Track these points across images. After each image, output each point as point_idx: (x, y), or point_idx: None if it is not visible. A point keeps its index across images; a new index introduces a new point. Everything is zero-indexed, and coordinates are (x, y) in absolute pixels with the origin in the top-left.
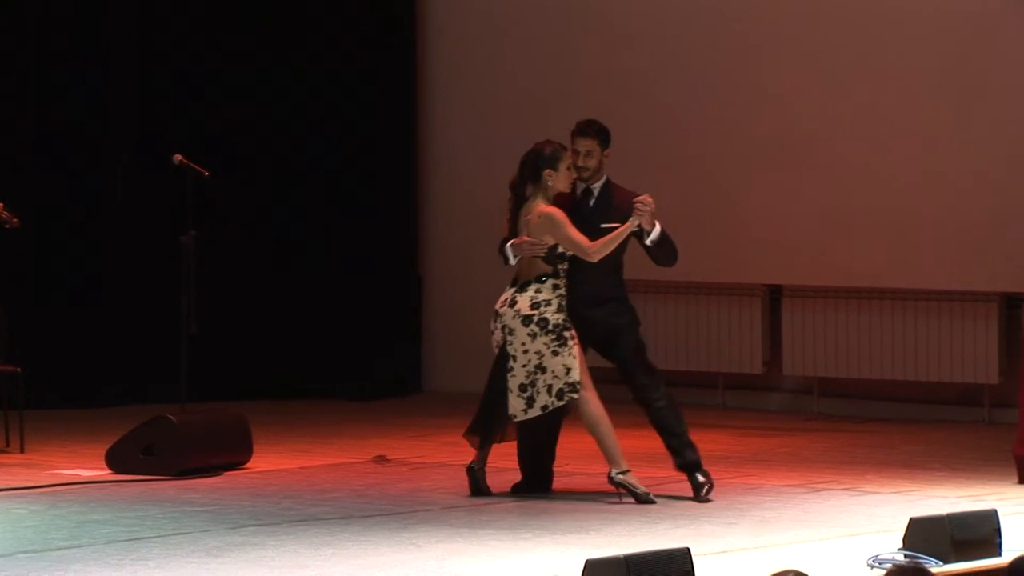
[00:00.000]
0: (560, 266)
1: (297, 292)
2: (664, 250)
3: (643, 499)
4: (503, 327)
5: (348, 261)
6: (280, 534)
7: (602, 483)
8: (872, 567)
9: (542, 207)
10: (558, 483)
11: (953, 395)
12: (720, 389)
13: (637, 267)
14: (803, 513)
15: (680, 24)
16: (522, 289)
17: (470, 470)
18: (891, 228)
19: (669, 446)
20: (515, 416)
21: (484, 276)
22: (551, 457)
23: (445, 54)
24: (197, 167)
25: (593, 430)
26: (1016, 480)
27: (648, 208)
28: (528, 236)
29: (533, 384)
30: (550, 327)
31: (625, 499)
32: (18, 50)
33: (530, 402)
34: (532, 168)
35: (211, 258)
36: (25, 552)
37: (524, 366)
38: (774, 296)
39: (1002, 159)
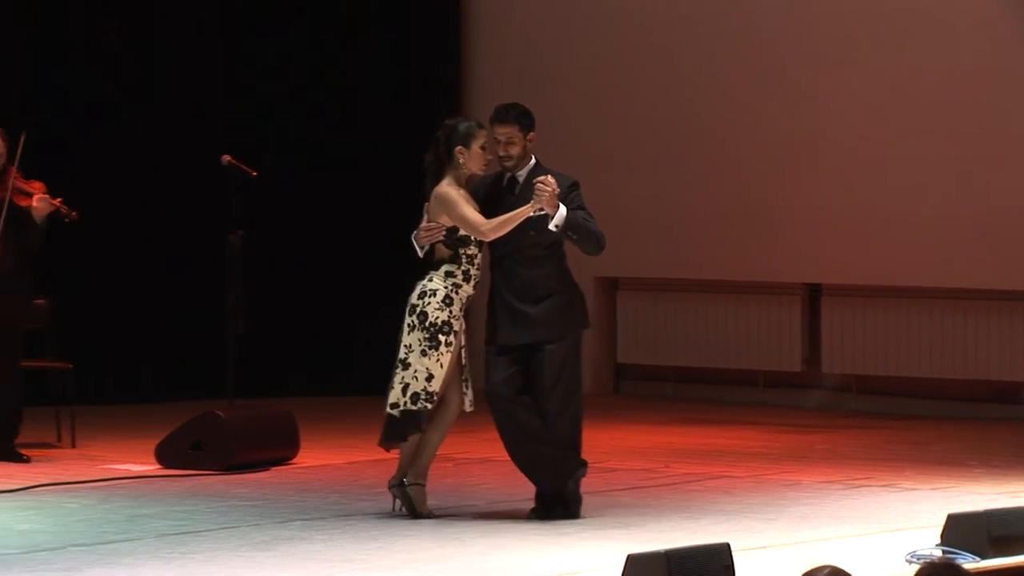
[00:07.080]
0: (462, 251)
1: (343, 290)
2: (579, 236)
3: (419, 516)
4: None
5: (390, 259)
6: (327, 528)
7: (642, 479)
8: (911, 563)
9: (439, 187)
10: (599, 479)
11: (989, 392)
12: (760, 387)
13: (679, 266)
14: (842, 509)
15: (708, 23)
16: (423, 276)
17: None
18: (930, 228)
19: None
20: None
21: None
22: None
23: (493, 60)
24: (245, 167)
25: (429, 434)
26: None
27: (548, 189)
28: (427, 220)
29: (392, 378)
30: (427, 324)
31: (400, 509)
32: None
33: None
34: (445, 145)
35: (258, 256)
36: (77, 545)
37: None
38: (813, 295)
39: None
